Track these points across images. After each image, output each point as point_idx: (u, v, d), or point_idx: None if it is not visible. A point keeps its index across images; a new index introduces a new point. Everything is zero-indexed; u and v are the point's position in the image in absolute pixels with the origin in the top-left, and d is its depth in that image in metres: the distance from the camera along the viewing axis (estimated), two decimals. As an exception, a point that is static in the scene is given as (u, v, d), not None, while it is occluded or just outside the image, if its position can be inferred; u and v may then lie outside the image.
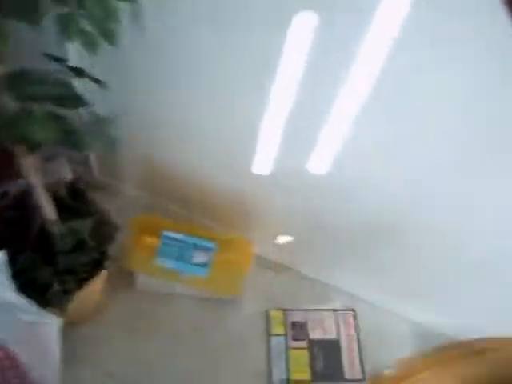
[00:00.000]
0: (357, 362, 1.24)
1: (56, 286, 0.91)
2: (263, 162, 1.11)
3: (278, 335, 1.25)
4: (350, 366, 1.23)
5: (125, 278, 1.24)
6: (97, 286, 1.09)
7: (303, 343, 1.25)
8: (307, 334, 1.26)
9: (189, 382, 1.16)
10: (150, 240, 1.09)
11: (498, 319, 1.22)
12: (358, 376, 1.22)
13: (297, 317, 1.29)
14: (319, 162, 1.06)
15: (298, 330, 1.27)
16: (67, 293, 0.93)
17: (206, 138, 1.15)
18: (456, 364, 0.51)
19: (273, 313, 1.28)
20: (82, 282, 0.96)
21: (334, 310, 1.32)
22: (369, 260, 1.29)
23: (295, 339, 1.25)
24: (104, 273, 1.06)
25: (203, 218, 1.33)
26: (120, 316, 1.22)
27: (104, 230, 1.00)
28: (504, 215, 0.99)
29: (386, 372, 0.52)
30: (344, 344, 1.27)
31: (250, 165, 1.13)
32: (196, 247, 1.10)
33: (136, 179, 1.41)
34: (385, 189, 1.06)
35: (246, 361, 1.20)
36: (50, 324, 0.90)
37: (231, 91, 1.01)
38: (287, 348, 1.23)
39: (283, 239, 1.33)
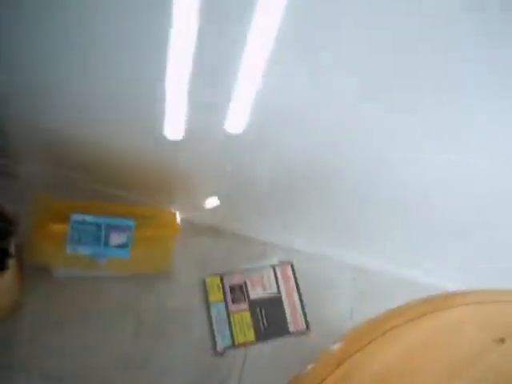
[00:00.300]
0: (299, 314, 1.23)
1: None
2: (175, 126, 0.99)
3: (216, 302, 1.20)
4: (293, 320, 1.22)
5: (40, 268, 1.11)
6: (6, 283, 0.96)
7: (244, 305, 1.21)
8: (247, 295, 1.23)
9: (130, 366, 1.09)
10: (56, 227, 0.96)
11: (431, 254, 1.25)
12: (302, 327, 1.22)
13: (234, 280, 1.24)
14: (235, 116, 0.96)
15: (237, 292, 1.22)
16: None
17: (108, 104, 1.00)
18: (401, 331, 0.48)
19: (209, 280, 1.22)
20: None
21: (272, 266, 1.28)
22: (299, 210, 1.26)
23: (235, 302, 1.21)
24: (12, 269, 0.93)
25: (120, 191, 1.21)
26: (42, 309, 1.10)
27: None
28: (436, 149, 0.96)
29: (333, 347, 0.48)
30: (285, 298, 1.25)
31: (162, 129, 1.01)
32: (112, 228, 0.99)
33: (36, 157, 1.23)
34: (305, 135, 0.99)
35: (187, 334, 1.15)
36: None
37: (127, 50, 0.86)
38: (228, 313, 1.19)
39: (210, 202, 1.24)
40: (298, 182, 1.15)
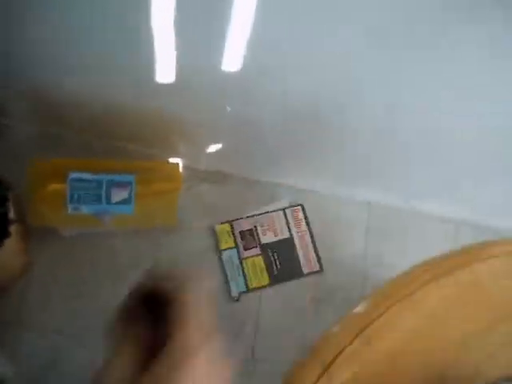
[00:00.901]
0: (312, 255, 1.21)
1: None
2: (166, 67, 0.91)
3: (228, 249, 1.18)
4: (306, 261, 1.21)
5: (47, 229, 1.09)
6: (11, 248, 0.94)
7: (256, 250, 1.19)
8: (258, 240, 1.20)
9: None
10: (54, 187, 0.92)
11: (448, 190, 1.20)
12: (316, 268, 1.21)
13: (244, 225, 1.21)
14: (231, 52, 0.87)
15: (247, 238, 1.20)
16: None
17: (95, 52, 0.92)
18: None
19: (218, 227, 1.19)
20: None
21: (282, 209, 1.25)
22: (307, 149, 1.19)
23: (247, 248, 1.19)
24: (15, 235, 0.90)
25: (118, 143, 1.15)
26: (52, 270, 1.10)
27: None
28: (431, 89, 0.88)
29: (356, 311, 0.44)
30: (297, 240, 1.22)
31: (153, 73, 0.93)
32: (113, 184, 0.94)
33: (26, 118, 1.17)
34: (309, 71, 0.91)
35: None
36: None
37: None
38: (240, 259, 1.18)
39: (212, 147, 1.18)
40: (304, 120, 1.08)
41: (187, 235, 1.18)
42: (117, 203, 0.95)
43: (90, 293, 1.09)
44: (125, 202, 0.95)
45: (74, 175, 0.92)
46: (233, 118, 1.09)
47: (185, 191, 1.19)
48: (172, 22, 0.81)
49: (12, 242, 0.92)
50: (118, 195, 0.95)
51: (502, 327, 0.46)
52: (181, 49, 0.87)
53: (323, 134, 1.12)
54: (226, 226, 1.20)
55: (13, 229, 0.87)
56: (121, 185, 0.95)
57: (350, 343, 0.39)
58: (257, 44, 0.83)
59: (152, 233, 1.15)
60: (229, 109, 1.00)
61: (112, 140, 1.16)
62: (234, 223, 1.21)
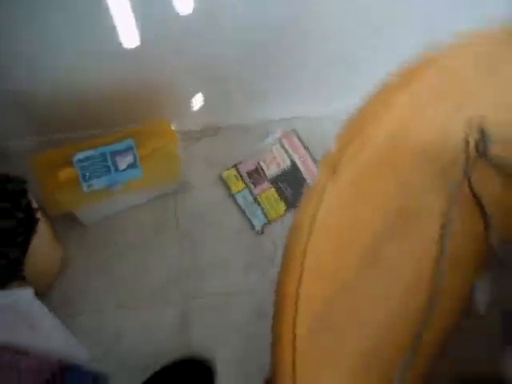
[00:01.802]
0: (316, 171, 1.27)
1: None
2: (128, 31, 0.96)
3: (240, 191, 1.24)
4: (312, 179, 1.26)
5: (68, 220, 1.15)
6: (44, 239, 1.00)
7: (266, 184, 1.26)
8: (265, 175, 1.26)
9: (185, 277, 1.16)
10: (64, 172, 0.98)
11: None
12: (326, 184, 1.26)
13: (249, 166, 1.27)
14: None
15: (255, 176, 1.26)
16: (15, 262, 0.85)
17: (59, 36, 0.97)
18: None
19: (225, 174, 1.26)
20: (22, 245, 0.87)
21: (278, 140, 1.30)
22: (286, 79, 1.25)
23: (257, 185, 1.25)
24: (43, 224, 0.97)
25: (107, 127, 1.21)
26: (85, 260, 1.16)
27: (9, 188, 0.88)
28: None
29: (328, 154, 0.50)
30: (300, 165, 1.28)
31: (118, 42, 0.98)
32: (116, 153, 1.00)
33: (17, 132, 1.22)
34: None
35: (225, 229, 1.21)
36: (22, 299, 0.84)
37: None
38: (254, 197, 1.24)
39: (196, 103, 1.24)
40: (275, 49, 1.13)
41: (199, 190, 1.24)
42: (125, 169, 1.01)
43: (126, 269, 1.15)
44: (132, 166, 1.02)
45: (79, 156, 0.99)
46: (205, 67, 1.14)
47: (184, 152, 1.26)
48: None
49: (45, 234, 0.99)
50: (124, 161, 1.01)
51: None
52: (133, 7, 0.92)
53: (295, 59, 1.17)
54: (232, 171, 1.26)
55: (40, 215, 0.93)
56: (123, 151, 1.01)
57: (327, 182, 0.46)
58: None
59: (166, 197, 1.22)
60: (195, 50, 1.05)
61: (99, 126, 1.21)
62: (238, 166, 1.27)
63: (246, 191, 1.24)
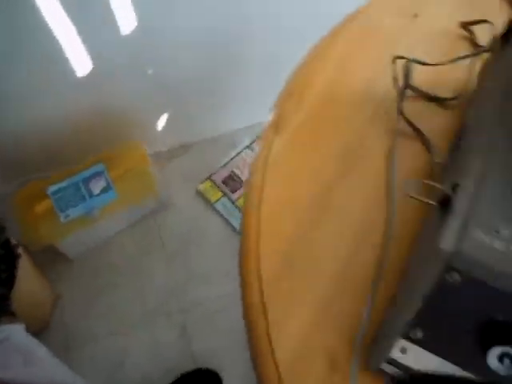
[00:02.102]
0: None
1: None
2: (79, 60, 1.00)
3: (218, 200, 1.26)
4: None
5: (55, 255, 1.16)
6: (29, 275, 1.00)
7: (243, 189, 1.28)
8: (241, 180, 1.29)
9: (177, 291, 1.16)
10: (40, 206, 1.00)
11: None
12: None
13: (223, 174, 1.30)
14: (127, 22, 0.98)
15: (230, 183, 1.29)
16: (1, 298, 0.85)
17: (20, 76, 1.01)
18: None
19: (201, 187, 1.28)
20: (6, 282, 0.88)
21: (247, 147, 1.34)
22: (241, 88, 1.29)
23: (234, 191, 1.27)
24: (27, 260, 0.97)
25: (76, 156, 1.23)
26: (76, 290, 1.16)
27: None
28: None
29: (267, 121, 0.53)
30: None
31: (72, 72, 1.02)
32: (87, 180, 1.02)
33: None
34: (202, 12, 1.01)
35: (210, 239, 1.22)
36: (14, 334, 0.84)
37: None
38: (233, 202, 1.26)
39: (163, 124, 1.27)
40: (228, 60, 1.18)
41: (179, 207, 1.26)
42: (99, 194, 1.03)
43: (116, 295, 1.15)
44: (106, 189, 1.04)
45: (52, 188, 1.01)
46: (159, 88, 1.17)
47: (159, 172, 1.28)
48: (65, 19, 0.91)
49: (29, 270, 0.99)
50: (98, 186, 1.03)
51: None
52: (80, 36, 0.96)
53: (242, 69, 1.22)
54: (208, 183, 1.28)
55: (22, 251, 0.94)
56: (95, 177, 1.03)
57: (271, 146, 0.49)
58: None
59: (148, 219, 1.23)
60: (150, 71, 1.09)
61: (70, 159, 1.23)
62: (212, 177, 1.29)
63: (225, 199, 1.26)
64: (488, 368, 0.30)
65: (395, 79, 0.51)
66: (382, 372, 0.36)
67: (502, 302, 0.29)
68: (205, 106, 1.29)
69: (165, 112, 1.26)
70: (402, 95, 0.50)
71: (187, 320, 1.12)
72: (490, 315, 0.30)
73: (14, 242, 0.95)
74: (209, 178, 1.29)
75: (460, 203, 0.29)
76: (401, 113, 0.50)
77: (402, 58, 0.50)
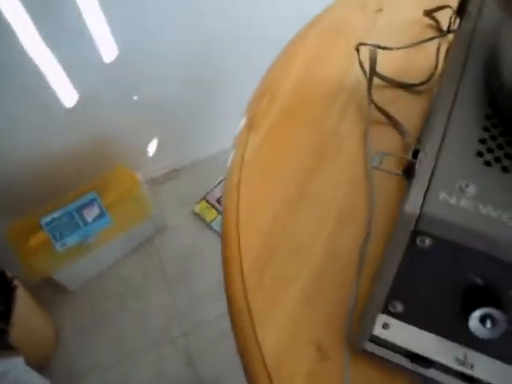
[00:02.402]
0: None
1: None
2: (65, 92, 1.02)
3: (214, 219, 1.26)
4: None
5: (56, 288, 1.15)
6: (27, 307, 0.99)
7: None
8: (235, 198, 1.29)
9: (179, 311, 1.15)
10: (35, 238, 0.99)
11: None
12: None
13: (216, 194, 1.30)
14: (108, 50, 1.00)
15: (225, 201, 1.28)
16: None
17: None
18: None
19: (196, 208, 1.28)
20: (3, 315, 0.87)
21: (240, 165, 1.34)
22: (224, 112, 1.31)
23: (230, 209, 1.27)
24: (24, 292, 0.97)
25: (68, 186, 1.24)
26: (80, 326, 1.15)
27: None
28: None
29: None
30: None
31: (58, 105, 1.04)
32: (81, 208, 1.03)
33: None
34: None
35: (209, 257, 1.21)
36: (13, 367, 0.83)
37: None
38: (229, 220, 1.25)
39: (153, 149, 1.29)
40: (212, 82, 1.21)
41: (176, 230, 1.26)
42: (94, 221, 1.03)
43: (126, 320, 1.14)
44: (100, 216, 1.04)
45: (45, 219, 1.01)
46: (146, 113, 1.19)
47: (154, 197, 1.29)
48: (48, 54, 0.93)
49: (27, 302, 0.99)
50: (91, 214, 1.03)
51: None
52: (65, 69, 0.99)
53: (226, 91, 1.24)
54: (203, 203, 1.28)
55: (19, 284, 0.94)
56: (88, 205, 1.04)
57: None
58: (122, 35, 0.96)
59: (146, 244, 1.23)
60: (135, 98, 1.11)
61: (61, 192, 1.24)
62: (207, 197, 1.29)
63: (220, 218, 1.26)
64: (470, 333, 0.29)
65: (361, 65, 0.52)
66: (372, 355, 0.36)
67: (476, 263, 0.28)
68: (194, 128, 1.31)
69: (154, 137, 1.27)
70: (370, 83, 0.51)
71: (191, 345, 1.10)
72: (467, 278, 0.29)
73: (9, 274, 0.95)
74: (204, 198, 1.29)
75: (421, 167, 0.29)
76: (371, 101, 0.51)
77: (365, 44, 0.51)
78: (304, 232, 0.45)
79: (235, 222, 0.46)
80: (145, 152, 1.29)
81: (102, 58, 1.01)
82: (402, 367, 0.35)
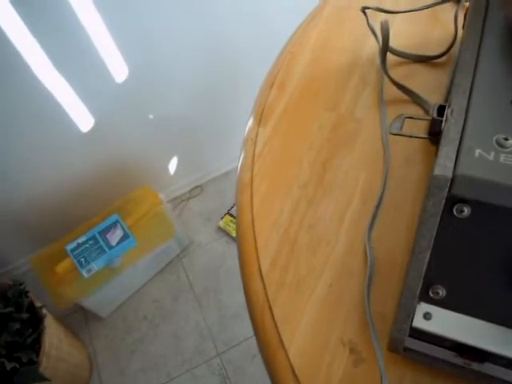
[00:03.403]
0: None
1: (15, 366, 0.79)
2: (81, 117, 1.02)
3: (241, 232, 1.23)
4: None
5: (87, 316, 1.14)
6: (57, 335, 0.97)
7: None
8: (260, 210, 1.25)
9: (210, 330, 1.11)
10: (61, 266, 0.99)
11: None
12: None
13: (241, 207, 1.27)
14: (119, 71, 1.00)
15: (250, 214, 1.25)
16: (30, 363, 0.82)
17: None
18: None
19: (221, 223, 1.25)
20: (33, 345, 0.86)
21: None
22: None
23: (255, 221, 1.24)
24: (54, 321, 0.95)
25: (91, 212, 1.24)
26: (113, 352, 1.13)
27: (9, 294, 0.88)
28: None
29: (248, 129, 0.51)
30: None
31: (76, 130, 1.04)
32: (104, 231, 1.02)
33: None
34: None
35: (236, 275, 1.18)
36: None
37: None
38: (256, 232, 1.22)
39: (174, 168, 1.28)
40: (223, 93, 1.19)
41: (203, 246, 1.23)
42: (118, 243, 1.02)
43: (161, 342, 1.11)
44: (124, 238, 1.02)
45: (70, 246, 1.00)
46: (163, 132, 1.19)
47: (179, 216, 1.27)
48: (62, 80, 0.94)
49: (57, 330, 0.97)
50: (115, 236, 1.02)
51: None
52: (79, 94, 0.99)
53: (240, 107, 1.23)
54: (227, 218, 1.25)
55: (47, 312, 0.93)
56: (111, 227, 1.02)
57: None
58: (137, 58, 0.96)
59: (174, 264, 1.21)
60: (151, 116, 1.11)
61: (85, 219, 1.24)
62: (231, 212, 1.26)
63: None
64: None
65: (372, 30, 0.48)
66: (408, 355, 0.31)
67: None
68: (212, 143, 1.29)
69: (174, 155, 1.26)
70: (384, 56, 0.47)
71: (226, 364, 1.06)
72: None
73: (38, 304, 0.93)
74: (227, 212, 1.26)
75: (450, 124, 0.25)
76: (386, 74, 0.47)
77: (368, 8, 0.48)
78: (325, 221, 0.42)
79: (250, 219, 0.42)
80: (166, 171, 1.28)
81: (114, 80, 1.01)
82: (448, 365, 0.30)
